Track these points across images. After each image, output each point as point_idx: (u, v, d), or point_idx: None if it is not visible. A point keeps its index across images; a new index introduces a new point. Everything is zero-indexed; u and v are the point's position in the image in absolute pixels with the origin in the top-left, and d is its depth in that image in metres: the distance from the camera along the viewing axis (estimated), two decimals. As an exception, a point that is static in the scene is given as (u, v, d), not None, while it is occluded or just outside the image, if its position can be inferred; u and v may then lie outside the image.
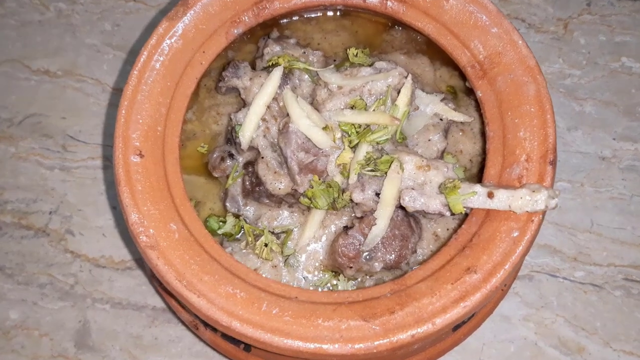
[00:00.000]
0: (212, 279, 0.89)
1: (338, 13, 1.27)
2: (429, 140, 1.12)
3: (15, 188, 1.47)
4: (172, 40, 1.02)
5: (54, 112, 1.54)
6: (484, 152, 1.17)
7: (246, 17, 1.07)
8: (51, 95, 1.55)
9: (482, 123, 1.11)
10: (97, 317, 1.36)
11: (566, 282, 1.39)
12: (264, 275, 1.07)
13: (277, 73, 1.08)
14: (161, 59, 1.00)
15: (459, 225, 1.04)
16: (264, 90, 1.08)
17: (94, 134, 1.51)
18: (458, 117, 1.14)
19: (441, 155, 1.14)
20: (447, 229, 1.12)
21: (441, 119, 1.14)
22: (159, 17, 1.61)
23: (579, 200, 1.45)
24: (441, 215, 0.98)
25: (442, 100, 1.15)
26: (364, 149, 1.02)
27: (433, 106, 1.13)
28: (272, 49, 1.17)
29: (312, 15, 1.27)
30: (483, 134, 1.15)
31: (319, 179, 1.06)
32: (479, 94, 1.05)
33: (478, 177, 1.17)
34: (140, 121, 0.97)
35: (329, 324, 0.86)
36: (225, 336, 1.02)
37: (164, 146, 0.99)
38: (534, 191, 0.89)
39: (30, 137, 1.51)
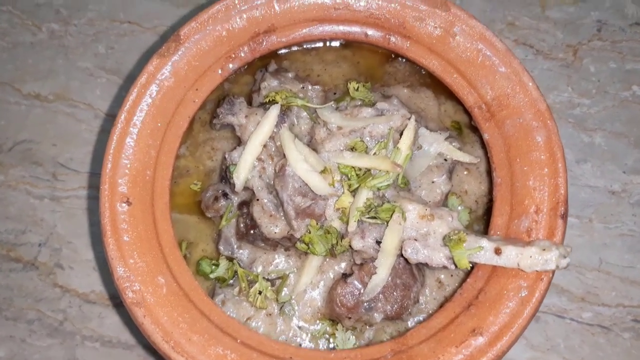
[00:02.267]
0: (202, 339, 0.84)
1: (339, 44, 1.21)
2: (433, 182, 1.07)
3: (4, 218, 1.42)
4: (163, 78, 0.97)
5: (45, 138, 1.48)
6: (490, 193, 1.12)
7: (242, 53, 1.02)
8: (42, 121, 1.50)
9: (488, 162, 1.05)
10: (86, 356, 1.31)
11: (573, 324, 1.33)
12: (257, 325, 1.02)
13: (274, 112, 1.03)
14: (151, 98, 0.95)
15: (464, 276, 0.99)
16: (260, 130, 1.03)
17: (85, 162, 1.46)
18: (463, 157, 1.08)
19: (445, 198, 1.08)
20: (451, 275, 1.07)
21: (445, 159, 1.09)
22: (154, 39, 1.56)
23: (587, 237, 1.39)
24: (445, 268, 0.93)
25: (446, 138, 1.09)
26: (364, 195, 0.97)
27: (437, 145, 1.08)
28: (270, 84, 1.11)
29: (313, 46, 1.21)
30: (489, 174, 1.10)
31: (317, 224, 1.01)
32: (485, 136, 0.99)
33: (484, 219, 1.12)
34: (129, 165, 0.92)
35: (325, 389, 0.81)
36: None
37: (154, 191, 0.94)
38: (544, 249, 0.83)
39: (20, 165, 1.46)
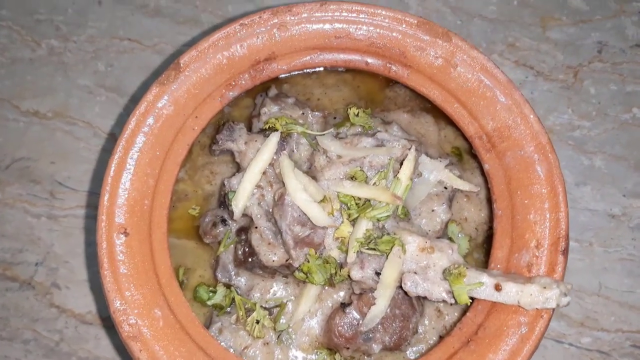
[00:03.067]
0: (198, 374, 0.83)
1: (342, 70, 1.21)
2: (433, 210, 1.06)
3: (0, 237, 1.41)
4: (162, 107, 0.96)
5: (43, 156, 1.48)
6: (490, 221, 1.11)
7: (242, 80, 1.01)
8: (40, 138, 1.49)
9: (488, 190, 1.05)
10: (82, 378, 1.30)
11: (572, 349, 1.32)
12: (255, 354, 1.01)
13: (273, 139, 1.02)
14: (149, 128, 0.94)
15: (464, 307, 0.98)
16: (260, 157, 1.02)
17: (83, 180, 1.45)
18: (463, 185, 1.08)
19: (445, 226, 1.08)
20: (451, 305, 1.06)
21: (446, 187, 1.08)
22: (154, 57, 1.55)
23: (587, 261, 1.39)
24: (444, 302, 0.92)
25: (447, 166, 1.09)
26: (364, 226, 0.97)
27: (437, 173, 1.07)
28: (270, 109, 1.11)
29: (313, 70, 1.21)
30: (489, 201, 1.09)
31: (316, 253, 1.00)
32: (486, 167, 0.99)
33: (484, 247, 1.12)
34: (126, 195, 0.91)
35: None
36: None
37: (151, 221, 0.93)
38: (545, 287, 0.83)
39: (17, 183, 1.45)
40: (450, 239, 1.10)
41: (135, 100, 1.31)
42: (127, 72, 1.54)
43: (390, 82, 1.21)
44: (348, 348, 1.00)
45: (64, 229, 1.42)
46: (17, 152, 1.48)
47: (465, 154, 1.19)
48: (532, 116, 0.95)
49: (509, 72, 1.55)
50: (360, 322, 1.00)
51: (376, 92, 1.23)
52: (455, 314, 1.05)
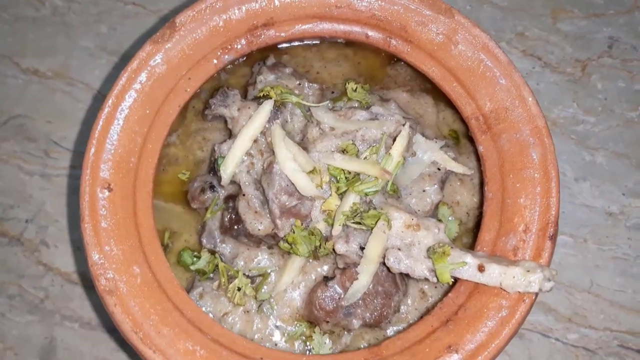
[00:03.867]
0: (172, 333, 0.83)
1: (341, 42, 1.19)
2: (424, 190, 1.04)
3: (-8, 192, 1.41)
4: (155, 65, 0.95)
5: (40, 115, 1.47)
6: (482, 206, 1.09)
7: (238, 45, 1.00)
8: (39, 97, 1.49)
9: (482, 174, 1.03)
10: (64, 336, 1.30)
11: (558, 344, 1.31)
12: (234, 321, 1.01)
13: (266, 107, 1.01)
14: (141, 85, 0.93)
15: (448, 289, 0.97)
16: (251, 124, 1.01)
17: (79, 141, 1.45)
18: (457, 168, 1.06)
19: (435, 208, 1.06)
20: (435, 287, 1.05)
21: (439, 169, 1.07)
22: (159, 23, 1.54)
23: (580, 257, 1.37)
24: (427, 280, 0.91)
25: (442, 147, 1.07)
26: (351, 199, 0.95)
27: (431, 154, 1.05)
28: (266, 78, 1.09)
29: (315, 42, 1.19)
30: (483, 186, 1.07)
31: (302, 224, 0.99)
32: (480, 148, 0.97)
33: (474, 232, 1.10)
34: (112, 151, 0.90)
35: (292, 394, 0.80)
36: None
37: (136, 179, 0.92)
38: (528, 271, 0.81)
39: (13, 139, 1.45)
40: (440, 221, 1.08)
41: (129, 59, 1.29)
42: (129, 36, 1.53)
43: (391, 60, 1.19)
44: (328, 322, 0.99)
45: (56, 188, 1.41)
46: (15, 109, 1.48)
47: (462, 138, 1.17)
48: (530, 99, 0.93)
49: (516, 62, 1.52)
50: (342, 296, 0.99)
51: (377, 70, 1.21)
52: (439, 296, 1.04)
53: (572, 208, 1.41)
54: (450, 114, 1.18)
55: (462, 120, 1.16)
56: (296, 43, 1.18)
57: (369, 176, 0.95)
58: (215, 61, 1.01)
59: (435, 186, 1.04)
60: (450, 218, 1.10)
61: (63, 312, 1.32)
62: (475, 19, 1.57)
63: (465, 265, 0.85)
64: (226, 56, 1.01)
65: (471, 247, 0.97)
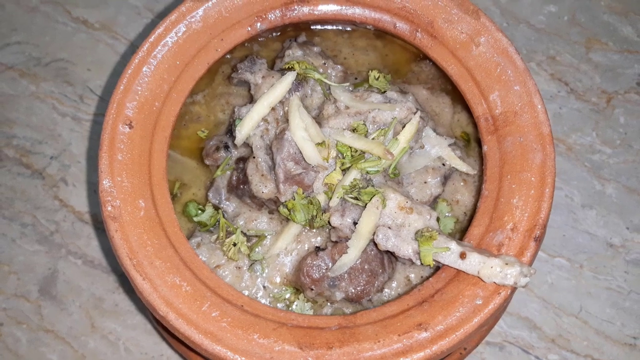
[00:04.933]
0: (163, 266, 0.88)
1: (372, 33, 1.23)
2: (425, 182, 1.08)
3: (25, 125, 1.49)
4: (192, 21, 1.01)
5: (81, 62, 1.56)
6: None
7: (272, 16, 1.05)
8: (83, 45, 1.57)
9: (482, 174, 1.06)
10: (66, 270, 1.37)
11: (537, 362, 1.32)
12: (225, 274, 1.05)
13: (289, 78, 1.06)
14: (177, 36, 0.99)
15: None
16: (272, 92, 1.06)
17: (110, 91, 1.52)
18: (461, 166, 1.09)
19: (434, 201, 1.09)
20: (421, 277, 1.08)
21: (444, 164, 1.10)
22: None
23: (574, 282, 1.38)
24: (411, 262, 0.94)
25: (450, 145, 1.11)
26: (353, 175, 0.99)
27: (439, 149, 1.09)
28: (294, 53, 1.15)
29: (347, 29, 1.24)
30: (481, 184, 1.10)
31: (303, 193, 1.03)
32: (485, 148, 1.00)
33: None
34: (139, 92, 0.96)
35: (263, 341, 0.84)
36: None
37: (157, 122, 0.98)
38: (507, 264, 0.84)
39: (52, 80, 1.54)
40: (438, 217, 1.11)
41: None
42: (177, 1, 1.61)
43: (417, 57, 1.24)
44: (312, 289, 1.03)
45: (85, 132, 1.49)
46: (59, 53, 1.56)
47: (473, 141, 1.20)
48: (539, 106, 0.96)
49: (543, 83, 1.55)
50: (330, 267, 1.03)
51: (402, 64, 1.25)
52: (424, 285, 1.07)
53: (574, 233, 1.42)
54: (465, 117, 1.21)
55: (475, 125, 1.19)
56: (329, 27, 1.23)
57: (373, 156, 0.99)
58: (248, 28, 1.07)
59: (437, 180, 1.08)
60: (447, 214, 1.13)
61: (69, 247, 1.39)
62: (511, 37, 1.60)
63: (448, 251, 0.88)
64: (259, 24, 1.07)
65: (461, 240, 1.00)
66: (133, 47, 1.57)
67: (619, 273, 1.39)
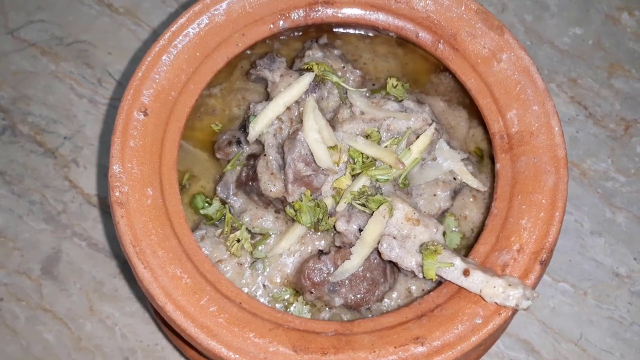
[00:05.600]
0: (166, 256, 0.88)
1: (394, 40, 1.23)
2: (435, 195, 1.07)
3: (42, 103, 1.50)
4: (216, 14, 1.01)
5: (103, 45, 1.56)
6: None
7: (296, 15, 1.05)
8: (106, 29, 1.58)
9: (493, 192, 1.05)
10: (70, 251, 1.38)
11: (532, 385, 1.31)
12: (226, 269, 1.05)
13: (306, 79, 1.06)
14: (199, 28, 0.99)
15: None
16: (288, 91, 1.06)
17: (129, 77, 1.52)
18: (472, 181, 1.08)
19: (442, 214, 1.09)
20: (422, 290, 1.07)
21: (455, 178, 1.09)
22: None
23: (576, 309, 1.36)
24: (413, 274, 0.93)
25: (463, 160, 1.10)
26: (362, 181, 0.99)
27: (451, 163, 1.08)
28: (314, 54, 1.14)
29: (369, 34, 1.24)
30: (491, 202, 1.09)
31: (311, 195, 1.03)
32: (498, 166, 0.99)
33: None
34: (157, 81, 0.96)
35: (258, 341, 0.84)
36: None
37: (172, 112, 0.98)
38: (510, 285, 0.83)
39: (73, 61, 1.55)
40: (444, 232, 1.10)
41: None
42: (202, -6, 1.61)
43: (437, 69, 1.23)
44: (312, 292, 1.03)
45: (100, 115, 1.50)
46: (82, 35, 1.57)
47: (486, 158, 1.19)
48: (557, 129, 0.95)
49: (562, 105, 1.54)
50: (331, 272, 1.02)
51: (422, 74, 1.25)
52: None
53: (581, 259, 1.41)
54: (481, 133, 1.20)
55: (490, 141, 1.18)
56: (351, 31, 1.23)
57: (384, 164, 0.98)
58: (271, 25, 1.07)
59: (447, 193, 1.07)
60: (454, 229, 1.12)
61: (75, 229, 1.40)
62: (533, 56, 1.58)
63: (452, 267, 0.88)
64: (282, 23, 1.06)
65: (466, 257, 0.99)
66: (155, 35, 1.58)
67: (623, 303, 1.37)
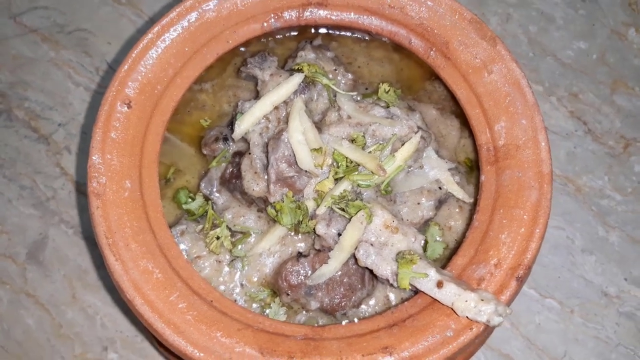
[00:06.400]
0: (138, 249, 0.88)
1: (390, 45, 1.21)
2: (419, 203, 1.06)
3: (38, 90, 1.51)
4: (207, 9, 1.00)
5: (103, 35, 1.57)
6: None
7: (288, 15, 1.04)
8: (107, 19, 1.58)
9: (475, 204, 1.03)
10: (56, 237, 1.38)
11: (512, 401, 1.29)
12: (204, 265, 1.05)
13: (295, 79, 1.05)
14: (188, 23, 0.99)
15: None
16: (276, 91, 1.05)
17: (128, 68, 1.53)
18: (457, 192, 1.07)
19: (424, 224, 1.07)
20: (401, 298, 1.06)
21: (440, 188, 1.08)
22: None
23: (562, 326, 1.34)
24: (388, 282, 0.92)
25: (450, 170, 1.08)
26: (344, 186, 0.98)
27: (438, 172, 1.07)
28: (307, 55, 1.14)
29: (365, 38, 1.22)
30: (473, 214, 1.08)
31: (293, 197, 1.02)
32: (482, 178, 0.98)
33: (455, 260, 1.10)
34: (143, 73, 0.96)
35: (225, 340, 0.83)
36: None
37: (157, 106, 0.98)
38: (482, 300, 0.81)
39: (72, 49, 1.55)
40: (426, 241, 1.09)
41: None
42: (205, -12, 1.61)
43: (432, 76, 1.21)
44: (288, 294, 1.02)
45: (95, 104, 1.50)
46: (83, 24, 1.58)
47: (476, 169, 1.17)
48: (543, 144, 0.93)
49: (561, 119, 1.52)
50: (309, 275, 1.01)
51: (416, 81, 1.23)
52: (402, 307, 1.04)
53: (570, 277, 1.39)
54: (471, 143, 1.19)
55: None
56: (347, 33, 1.22)
57: (366, 169, 0.97)
58: (263, 24, 1.06)
59: (431, 203, 1.06)
60: (438, 238, 1.10)
61: (63, 216, 1.40)
62: (534, 68, 1.57)
63: (426, 278, 0.86)
64: (274, 22, 1.06)
65: (443, 268, 0.98)
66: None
67: (610, 324, 1.35)
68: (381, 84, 1.12)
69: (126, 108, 0.95)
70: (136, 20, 1.58)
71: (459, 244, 1.10)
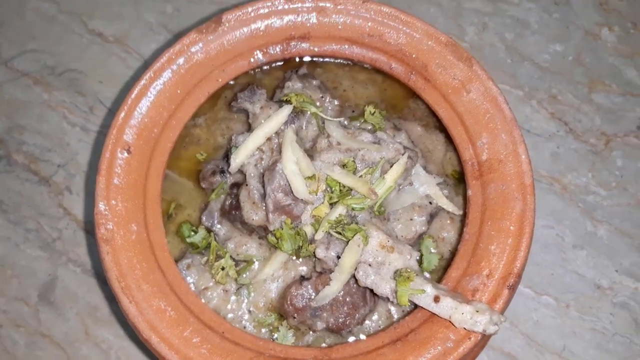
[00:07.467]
0: (150, 290, 0.92)
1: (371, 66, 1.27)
2: (411, 219, 1.11)
3: (35, 133, 1.55)
4: (195, 52, 1.05)
5: (94, 74, 1.61)
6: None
7: (273, 50, 1.09)
8: (97, 57, 1.63)
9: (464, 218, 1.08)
10: (66, 277, 1.42)
11: (516, 397, 1.34)
12: (212, 296, 1.09)
13: (285, 111, 1.10)
14: (178, 67, 1.03)
15: (409, 313, 1.03)
16: (268, 123, 1.10)
17: (118, 105, 1.57)
18: (447, 205, 1.12)
19: (418, 238, 1.12)
20: (402, 311, 1.10)
21: (431, 202, 1.13)
22: (217, 13, 1.65)
23: (559, 321, 1.40)
24: (388, 300, 0.97)
25: (439, 184, 1.13)
26: (339, 210, 1.03)
27: (427, 187, 1.12)
28: (294, 85, 1.18)
29: (347, 62, 1.27)
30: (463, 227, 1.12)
31: (291, 223, 1.07)
32: (469, 192, 1.03)
33: (451, 269, 1.15)
34: (139, 119, 1.01)
35: (239, 370, 0.87)
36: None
37: (155, 148, 1.02)
38: (477, 311, 0.86)
39: (64, 90, 1.59)
40: (422, 253, 1.14)
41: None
42: (190, 19, 1.65)
43: (414, 94, 1.26)
44: (295, 317, 1.07)
45: (92, 142, 1.54)
46: (73, 64, 1.62)
47: (462, 182, 1.22)
48: (523, 157, 0.98)
49: (542, 122, 1.57)
50: (313, 297, 1.06)
51: (400, 100, 1.28)
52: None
53: (562, 272, 1.44)
54: (457, 156, 1.24)
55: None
56: (330, 59, 1.27)
57: (358, 193, 1.02)
58: (251, 60, 1.11)
59: (423, 218, 1.11)
60: (432, 250, 1.15)
61: (70, 255, 1.44)
62: (513, 74, 1.63)
63: (424, 293, 0.91)
64: (261, 57, 1.11)
65: (439, 281, 1.03)
66: (145, 63, 1.62)
67: (605, 315, 1.40)
68: (367, 106, 1.17)
69: (126, 154, 0.99)
70: (125, 57, 1.62)
71: (453, 254, 1.15)
